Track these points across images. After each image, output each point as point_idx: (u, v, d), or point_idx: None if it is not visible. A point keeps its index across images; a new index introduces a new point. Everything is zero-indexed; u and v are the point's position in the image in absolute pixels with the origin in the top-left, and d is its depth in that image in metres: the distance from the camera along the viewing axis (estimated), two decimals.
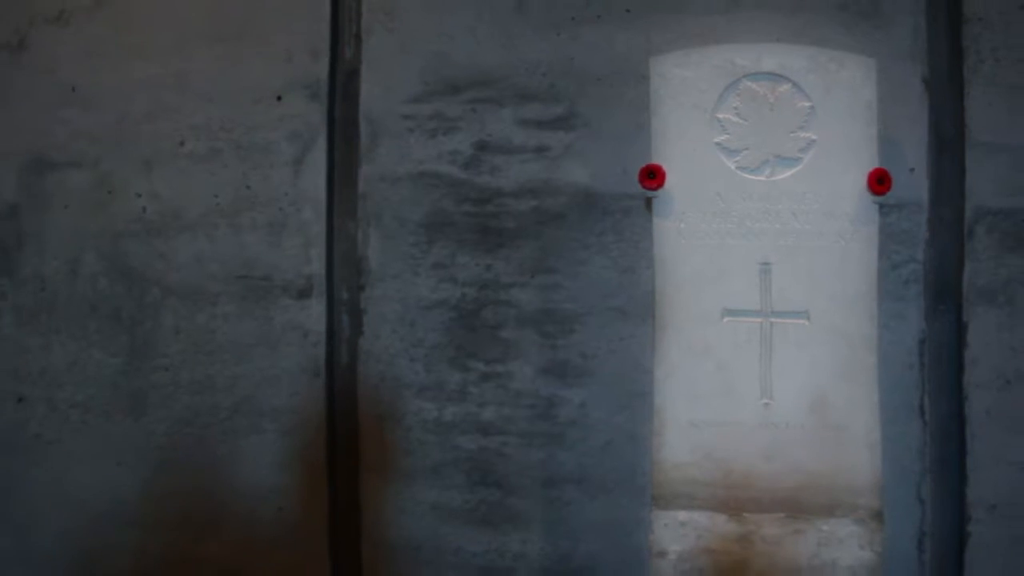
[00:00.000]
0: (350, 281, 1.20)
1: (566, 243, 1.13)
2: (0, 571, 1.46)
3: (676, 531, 1.12)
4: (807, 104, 1.04)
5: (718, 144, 1.07)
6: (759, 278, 1.01)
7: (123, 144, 1.30)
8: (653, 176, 1.05)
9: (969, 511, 1.08)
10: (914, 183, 1.06)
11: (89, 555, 1.36)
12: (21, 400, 1.43)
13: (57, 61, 1.36)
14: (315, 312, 1.18)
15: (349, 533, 1.22)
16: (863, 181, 1.02)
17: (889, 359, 1.03)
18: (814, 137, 1.05)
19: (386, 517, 1.21)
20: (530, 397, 1.14)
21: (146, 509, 1.30)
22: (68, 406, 1.37)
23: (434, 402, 1.15)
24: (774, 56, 1.05)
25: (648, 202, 1.10)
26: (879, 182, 1.02)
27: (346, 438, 1.20)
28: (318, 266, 1.19)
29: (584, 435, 1.13)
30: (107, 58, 1.29)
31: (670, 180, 1.07)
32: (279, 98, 1.20)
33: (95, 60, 1.30)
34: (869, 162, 1.03)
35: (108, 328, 1.34)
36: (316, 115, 1.19)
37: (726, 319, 1.01)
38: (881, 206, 1.04)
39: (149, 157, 1.27)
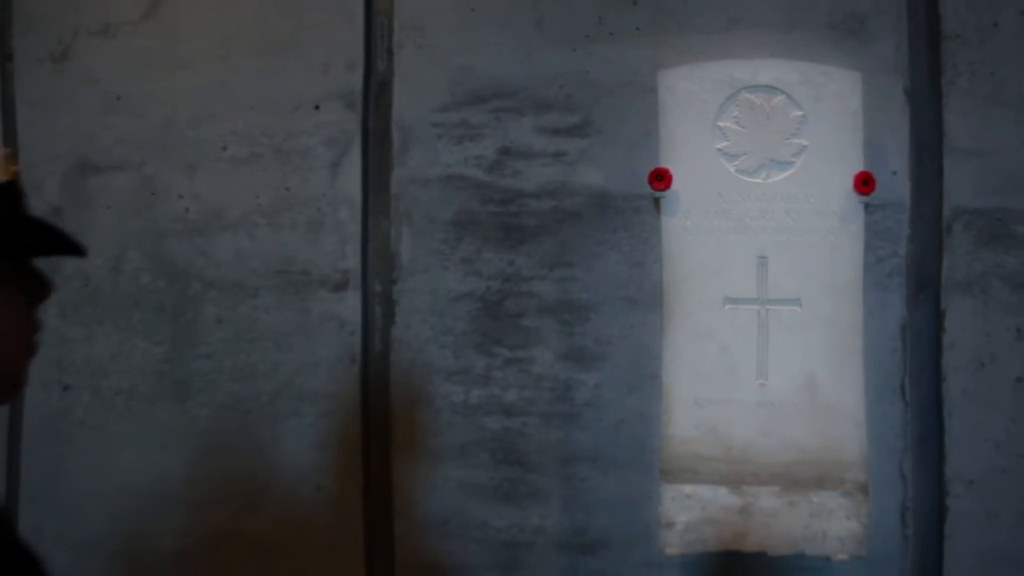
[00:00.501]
0: (383, 275, 1.37)
1: (582, 239, 1.31)
2: (46, 553, 1.62)
3: (683, 503, 1.29)
4: (799, 113, 1.22)
5: (719, 150, 1.24)
6: (756, 270, 1.19)
7: (167, 149, 1.47)
8: (661, 178, 1.23)
9: (948, 486, 1.25)
10: (897, 185, 1.24)
11: (133, 536, 1.53)
12: (66, 388, 1.60)
13: (101, 71, 1.53)
14: (351, 304, 1.35)
15: (382, 510, 1.39)
16: (850, 183, 1.19)
17: (873, 343, 1.20)
18: (805, 143, 1.22)
19: (417, 495, 1.38)
20: (549, 380, 1.31)
21: (189, 490, 1.47)
22: (112, 393, 1.54)
23: (461, 386, 1.33)
24: (769, 70, 1.22)
25: (656, 202, 1.28)
26: (864, 184, 1.20)
27: (379, 420, 1.37)
28: (353, 261, 1.36)
29: (598, 415, 1.31)
30: (153, 69, 1.47)
31: (676, 182, 1.24)
32: (317, 107, 1.38)
33: (141, 71, 1.48)
34: (855, 165, 1.20)
35: (151, 320, 1.51)
36: (351, 123, 1.36)
37: (727, 306, 1.19)
38: (866, 205, 1.21)
39: (192, 161, 1.45)
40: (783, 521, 1.26)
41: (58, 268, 1.65)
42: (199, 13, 1.43)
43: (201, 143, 1.44)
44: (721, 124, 1.22)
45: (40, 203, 1.67)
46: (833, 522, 1.24)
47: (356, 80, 1.37)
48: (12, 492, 1.68)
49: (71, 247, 0.67)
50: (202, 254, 1.45)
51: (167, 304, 1.49)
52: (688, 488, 1.25)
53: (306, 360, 1.37)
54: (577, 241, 1.31)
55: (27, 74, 1.62)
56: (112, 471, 1.54)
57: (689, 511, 1.27)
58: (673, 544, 1.29)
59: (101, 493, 1.56)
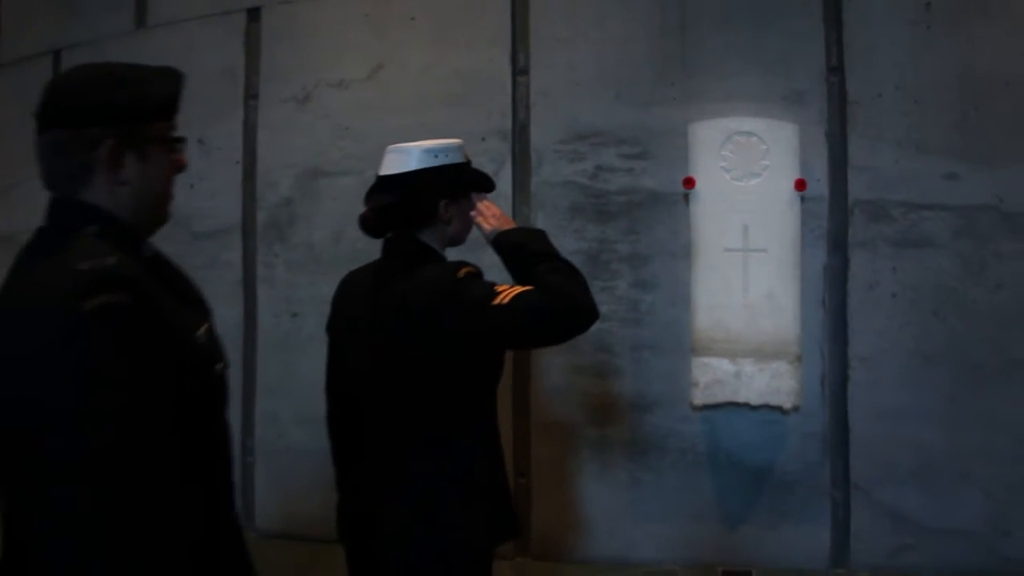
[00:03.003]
0: None
1: (644, 219, 3.02)
2: (285, 430, 3.28)
3: (703, 369, 2.98)
4: (764, 147, 2.93)
5: (722, 167, 2.96)
6: (742, 232, 2.90)
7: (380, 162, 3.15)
8: (690, 183, 2.95)
9: (849, 362, 2.97)
10: (820, 187, 2.96)
11: None
12: (295, 315, 3.26)
13: (335, 110, 3.21)
14: None
15: (522, 384, 3.08)
16: (792, 185, 2.91)
17: (807, 275, 2.91)
18: (768, 163, 2.93)
19: (544, 372, 3.08)
20: (626, 300, 3.02)
21: None
22: None
23: None
24: (749, 124, 2.93)
25: (686, 196, 2.99)
26: (800, 186, 2.92)
27: None
28: None
29: (654, 319, 3.02)
30: (374, 111, 3.15)
31: (698, 185, 2.95)
32: (483, 139, 3.07)
33: (365, 112, 3.16)
34: (795, 175, 2.91)
35: None
36: (505, 149, 3.06)
37: (726, 253, 2.89)
38: (802, 198, 2.92)
39: None
40: (757, 381, 2.95)
41: (287, 240, 3.33)
42: (408, 77, 3.12)
43: None
44: (723, 153, 2.93)
45: (274, 195, 3.36)
46: (783, 381, 2.94)
47: (507, 123, 3.07)
48: (249, 385, 3.35)
49: (492, 186, 2.29)
50: None
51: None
52: (705, 359, 2.95)
53: None
54: (641, 220, 3.02)
55: (271, 109, 3.30)
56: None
57: (706, 374, 2.97)
58: (697, 397, 2.99)
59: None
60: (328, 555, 2.81)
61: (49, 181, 1.33)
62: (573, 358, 3.05)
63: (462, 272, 1.88)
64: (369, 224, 2.07)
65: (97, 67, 1.36)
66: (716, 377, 2.93)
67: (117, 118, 1.30)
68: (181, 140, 1.41)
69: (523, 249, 1.99)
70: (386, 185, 2.05)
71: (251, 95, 3.30)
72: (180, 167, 1.43)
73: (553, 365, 3.06)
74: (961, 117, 2.93)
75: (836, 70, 2.98)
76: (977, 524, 2.93)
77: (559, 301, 1.80)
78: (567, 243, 3.03)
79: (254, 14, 3.31)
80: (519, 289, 1.81)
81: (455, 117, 3.07)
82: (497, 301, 1.77)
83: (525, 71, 3.10)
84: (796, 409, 2.91)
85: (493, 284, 1.85)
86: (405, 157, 2.05)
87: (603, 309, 3.05)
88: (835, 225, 2.98)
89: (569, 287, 1.84)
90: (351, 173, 3.19)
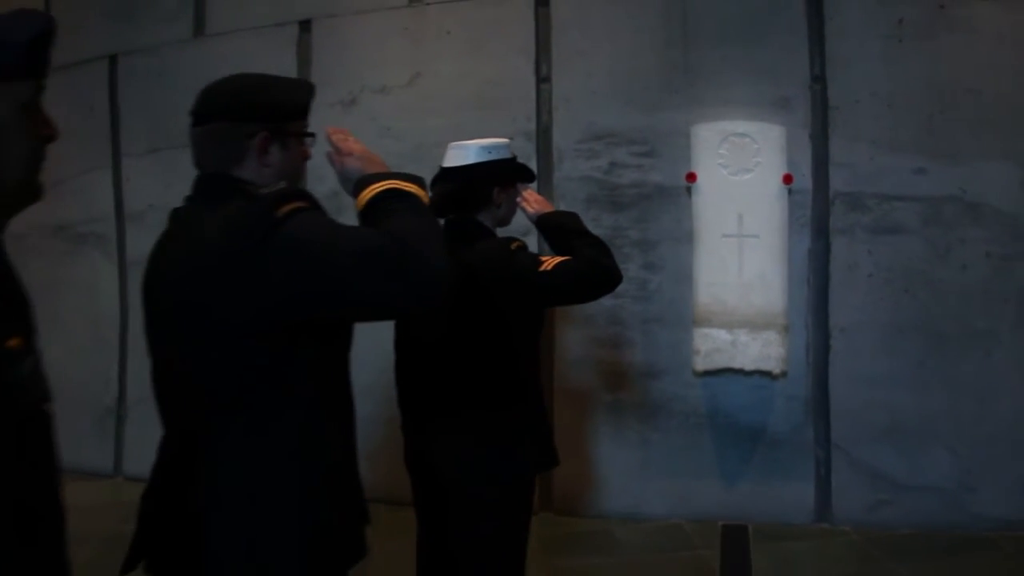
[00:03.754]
0: None
1: (652, 209, 3.62)
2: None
3: (703, 339, 3.58)
4: (756, 147, 3.52)
5: (719, 164, 3.56)
6: (737, 220, 3.49)
7: (419, 159, 3.70)
8: (692, 178, 3.55)
9: (831, 332, 3.57)
10: (805, 180, 3.55)
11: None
12: None
13: (378, 113, 3.80)
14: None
15: (545, 353, 3.67)
16: (780, 179, 3.51)
17: (794, 258, 3.50)
18: (760, 160, 3.53)
19: (566, 345, 3.67)
20: (636, 279, 3.61)
21: None
22: None
23: None
24: (743, 126, 3.53)
25: (688, 189, 3.58)
26: (788, 180, 3.52)
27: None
28: None
29: (662, 297, 3.61)
30: (413, 113, 3.74)
31: (699, 179, 3.55)
32: (511, 139, 3.66)
33: (405, 114, 3.75)
34: (783, 171, 3.50)
35: None
36: (530, 148, 3.65)
37: (723, 238, 3.49)
38: (789, 191, 3.52)
39: (434, 167, 3.71)
40: (751, 348, 3.55)
41: None
42: (443, 84, 3.71)
43: (440, 157, 3.72)
44: (720, 152, 3.53)
45: (323, 187, 3.94)
46: (773, 348, 3.54)
47: (532, 125, 3.66)
48: None
49: (533, 177, 2.89)
50: None
51: None
52: (705, 330, 3.54)
53: None
54: (649, 210, 3.62)
55: (320, 112, 3.85)
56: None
57: (706, 343, 3.56)
58: (699, 364, 3.58)
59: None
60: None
61: (202, 162, 1.73)
62: (590, 330, 3.64)
63: (514, 245, 2.45)
64: (434, 208, 2.64)
65: (253, 76, 1.80)
66: (715, 346, 3.53)
67: (270, 116, 1.72)
68: (312, 135, 1.88)
69: (561, 228, 2.58)
70: (449, 175, 2.62)
71: None
72: (307, 157, 1.89)
73: (572, 337, 3.65)
74: (929, 119, 3.52)
75: (819, 79, 3.58)
76: (946, 481, 3.51)
77: (592, 268, 2.37)
78: None
79: (305, 26, 3.89)
80: (560, 259, 2.39)
81: (485, 120, 3.66)
82: (543, 268, 2.34)
83: (547, 79, 3.70)
84: (784, 375, 3.50)
85: (538, 255, 2.42)
86: (465, 152, 2.62)
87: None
88: (818, 214, 3.57)
89: (600, 257, 2.42)
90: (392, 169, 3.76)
